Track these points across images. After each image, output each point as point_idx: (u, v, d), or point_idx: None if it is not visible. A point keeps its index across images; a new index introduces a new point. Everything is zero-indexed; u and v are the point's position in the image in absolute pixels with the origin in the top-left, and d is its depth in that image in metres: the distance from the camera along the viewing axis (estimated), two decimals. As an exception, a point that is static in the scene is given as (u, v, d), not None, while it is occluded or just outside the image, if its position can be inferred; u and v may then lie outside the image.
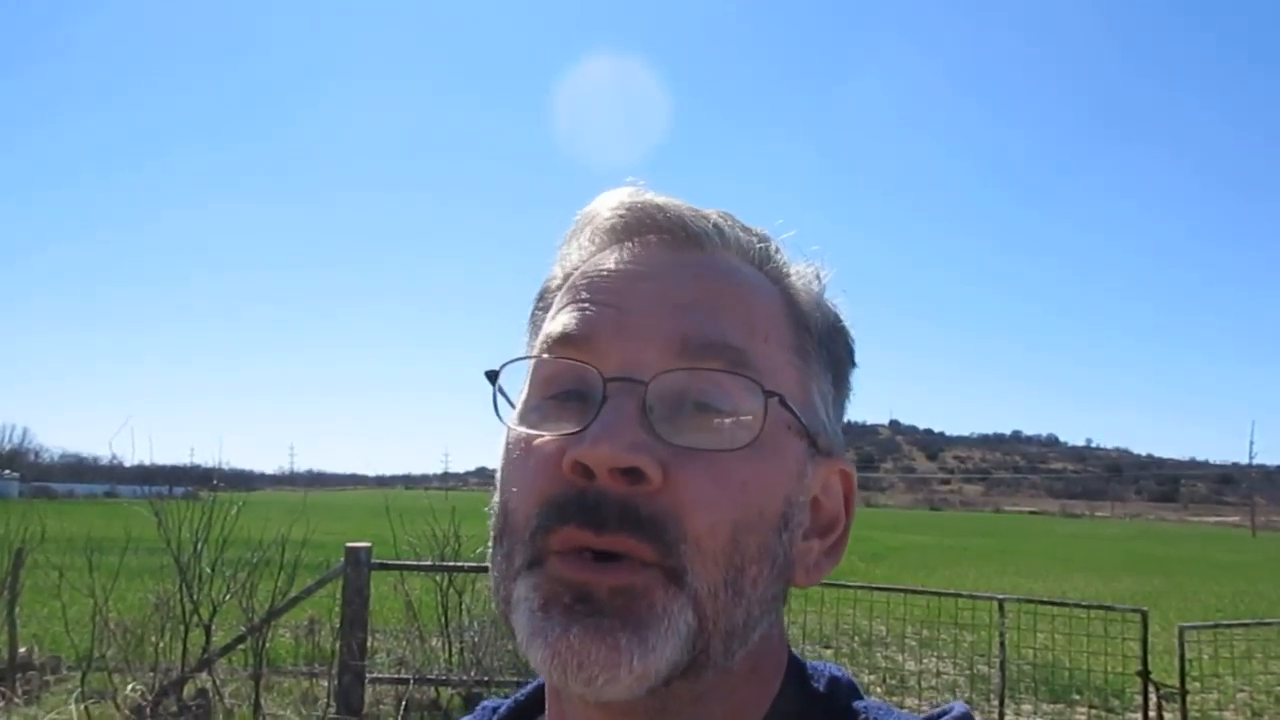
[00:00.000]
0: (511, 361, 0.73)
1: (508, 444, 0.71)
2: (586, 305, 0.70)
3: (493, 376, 0.73)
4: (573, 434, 0.65)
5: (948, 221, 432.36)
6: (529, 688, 0.83)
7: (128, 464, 9.92)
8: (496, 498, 0.71)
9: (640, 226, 0.74)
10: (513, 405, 0.73)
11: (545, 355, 0.71)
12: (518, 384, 0.75)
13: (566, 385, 0.69)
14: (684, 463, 0.64)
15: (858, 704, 0.74)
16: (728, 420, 0.66)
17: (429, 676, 8.04)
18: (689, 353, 0.67)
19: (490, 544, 0.71)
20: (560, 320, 0.71)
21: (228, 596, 7.80)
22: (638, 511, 0.62)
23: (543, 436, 0.67)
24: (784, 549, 0.69)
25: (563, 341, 0.69)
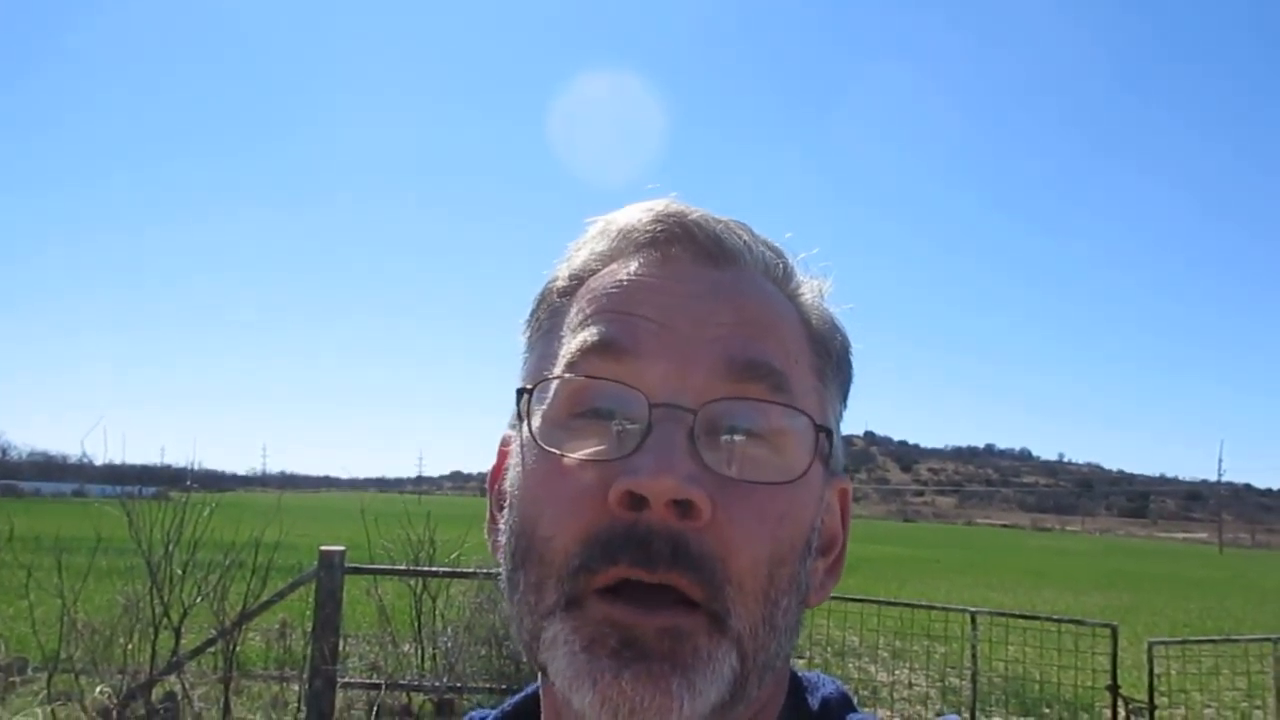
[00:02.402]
0: (545, 380, 0.68)
1: (527, 461, 0.67)
2: (626, 316, 0.68)
3: (526, 393, 0.69)
4: (615, 460, 0.62)
5: (924, 236, 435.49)
6: (515, 699, 0.81)
7: (98, 463, 9.77)
8: (511, 517, 0.69)
9: (673, 239, 0.71)
10: (525, 418, 0.69)
11: (570, 373, 0.67)
12: (517, 383, 0.73)
13: (598, 403, 0.66)
14: (731, 495, 0.62)
15: (852, 717, 0.74)
16: (774, 452, 0.65)
17: (401, 682, 7.98)
18: (734, 373, 0.65)
19: (506, 567, 0.69)
20: (597, 328, 0.68)
21: (198, 599, 7.71)
22: (689, 548, 0.61)
23: (575, 458, 0.64)
24: (805, 575, 0.68)
25: (601, 350, 0.66)
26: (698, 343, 0.66)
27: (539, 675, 0.72)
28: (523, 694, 0.81)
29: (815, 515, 0.69)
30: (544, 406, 0.68)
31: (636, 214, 0.74)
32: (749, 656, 0.63)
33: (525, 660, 0.69)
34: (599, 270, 0.73)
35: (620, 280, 0.70)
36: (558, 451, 0.65)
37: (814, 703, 0.75)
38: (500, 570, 0.70)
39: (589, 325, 0.68)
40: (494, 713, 0.82)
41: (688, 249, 0.71)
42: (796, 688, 0.75)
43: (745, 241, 0.73)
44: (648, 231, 0.72)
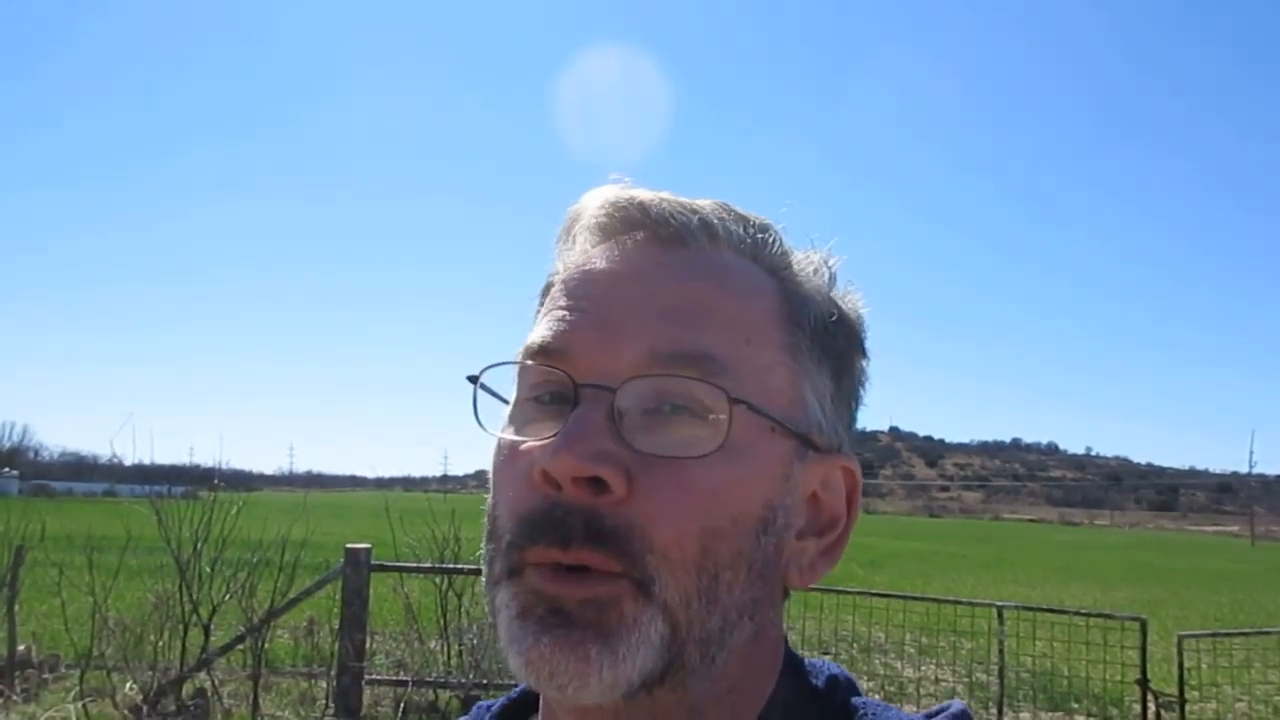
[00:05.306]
0: (491, 367, 0.73)
1: (496, 446, 0.71)
2: (566, 312, 0.70)
3: (474, 380, 0.73)
4: (548, 440, 0.65)
5: (948, 227, 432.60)
6: (522, 686, 0.83)
7: (128, 463, 9.90)
8: (489, 499, 0.72)
9: (626, 224, 0.72)
10: (507, 403, 0.73)
11: (517, 360, 0.71)
12: (512, 383, 0.75)
13: (542, 390, 0.69)
14: (650, 471, 0.63)
15: (855, 701, 0.74)
16: (697, 427, 0.65)
17: (427, 679, 8.03)
18: (659, 363, 0.66)
19: (481, 545, 0.72)
20: (539, 330, 0.71)
21: (227, 596, 7.80)
22: (602, 523, 0.62)
23: (526, 442, 0.68)
24: (764, 552, 0.67)
25: (542, 353, 0.69)
26: (625, 327, 0.67)
27: None
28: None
29: (768, 491, 0.68)
30: (512, 395, 0.73)
31: (589, 201, 0.75)
32: (681, 627, 0.63)
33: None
34: (568, 260, 0.76)
35: (573, 274, 0.73)
36: (514, 438, 0.69)
37: (817, 684, 0.75)
38: None
39: (538, 326, 0.72)
40: (500, 701, 0.83)
41: (640, 232, 0.72)
42: (796, 669, 0.75)
43: (703, 219, 0.72)
44: (598, 219, 0.74)
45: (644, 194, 0.73)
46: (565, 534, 0.62)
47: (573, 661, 0.61)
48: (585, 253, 0.74)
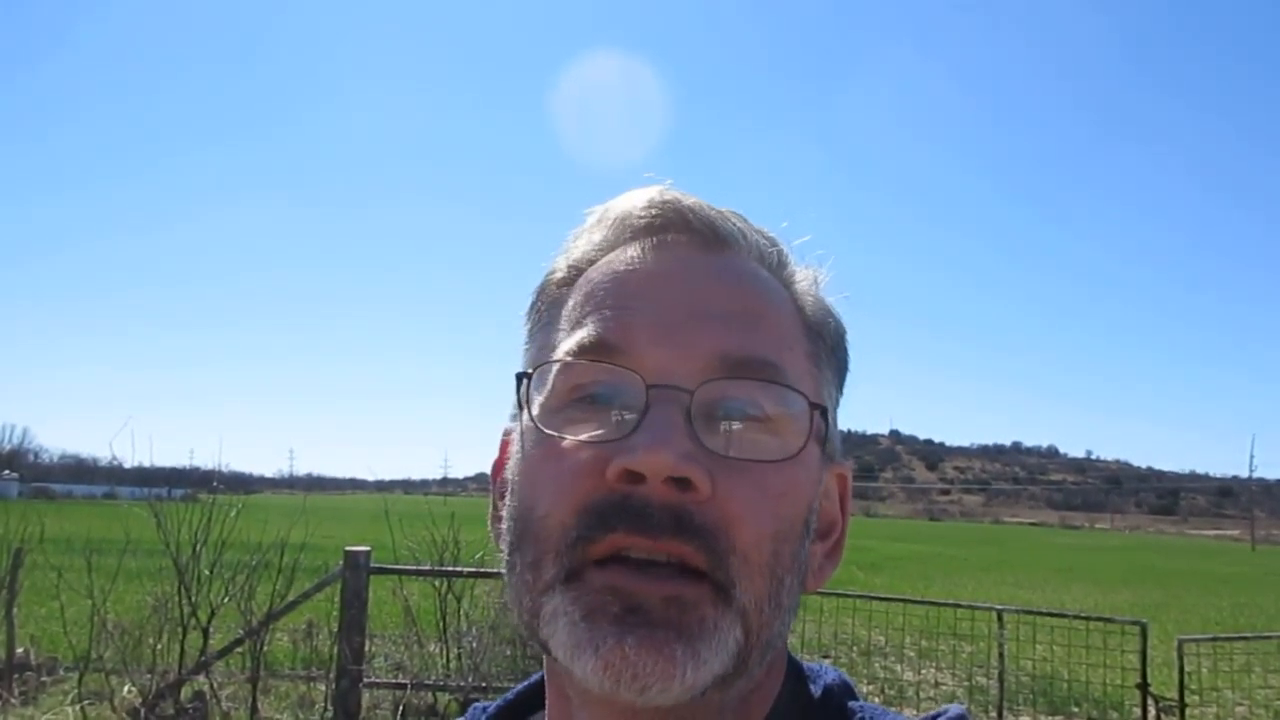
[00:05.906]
0: (544, 364, 0.70)
1: (526, 446, 0.69)
2: (617, 311, 0.69)
3: (524, 378, 0.71)
4: (614, 440, 0.63)
5: (949, 229, 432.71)
6: (518, 688, 0.83)
7: (127, 465, 9.92)
8: (511, 501, 0.70)
9: (668, 225, 0.73)
10: (524, 405, 0.70)
11: (572, 358, 0.68)
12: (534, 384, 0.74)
13: (596, 389, 0.67)
14: (730, 473, 0.63)
15: (853, 705, 0.75)
16: (770, 432, 0.66)
17: (426, 682, 8.03)
18: (728, 369, 0.66)
19: (505, 550, 0.70)
20: (588, 328, 0.69)
21: (226, 599, 7.80)
22: (691, 519, 0.62)
23: (573, 440, 0.65)
24: (805, 555, 0.69)
25: (597, 349, 0.67)
26: (693, 330, 0.67)
27: (544, 660, 0.73)
28: (526, 683, 0.83)
29: (813, 497, 0.70)
30: (542, 395, 0.70)
31: (632, 201, 0.75)
32: (753, 632, 0.64)
33: (530, 643, 0.70)
34: (596, 260, 0.75)
35: (616, 271, 0.72)
36: (557, 434, 0.66)
37: (816, 690, 0.75)
38: (502, 556, 0.71)
39: (585, 322, 0.70)
40: (496, 703, 0.83)
41: (683, 235, 0.72)
42: (797, 673, 0.76)
43: (739, 228, 0.74)
44: (642, 218, 0.73)
45: (686, 197, 0.74)
46: (648, 523, 0.61)
47: (659, 663, 0.60)
48: (616, 248, 0.74)
